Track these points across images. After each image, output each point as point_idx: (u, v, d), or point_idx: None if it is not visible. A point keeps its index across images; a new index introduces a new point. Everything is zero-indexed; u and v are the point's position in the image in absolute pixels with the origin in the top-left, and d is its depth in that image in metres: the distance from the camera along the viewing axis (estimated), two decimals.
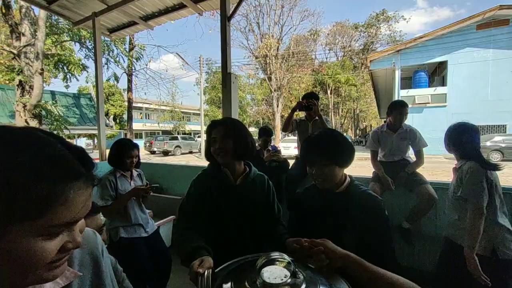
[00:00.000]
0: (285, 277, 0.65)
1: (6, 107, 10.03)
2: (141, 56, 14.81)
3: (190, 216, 1.09)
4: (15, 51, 6.13)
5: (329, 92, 30.63)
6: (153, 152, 19.21)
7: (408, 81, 15.86)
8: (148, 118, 33.11)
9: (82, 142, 17.63)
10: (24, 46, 6.08)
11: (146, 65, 18.94)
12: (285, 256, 0.69)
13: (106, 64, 12.23)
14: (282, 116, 23.36)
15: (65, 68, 9.05)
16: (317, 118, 2.70)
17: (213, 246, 0.98)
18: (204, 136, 19.32)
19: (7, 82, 9.47)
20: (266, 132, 2.96)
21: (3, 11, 6.30)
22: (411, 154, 2.48)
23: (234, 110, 2.52)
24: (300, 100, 2.70)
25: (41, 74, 6.40)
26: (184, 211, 1.12)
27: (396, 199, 2.35)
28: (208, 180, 1.17)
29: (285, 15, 23.13)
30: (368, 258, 0.69)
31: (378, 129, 2.53)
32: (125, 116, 17.74)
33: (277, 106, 22.88)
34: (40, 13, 6.48)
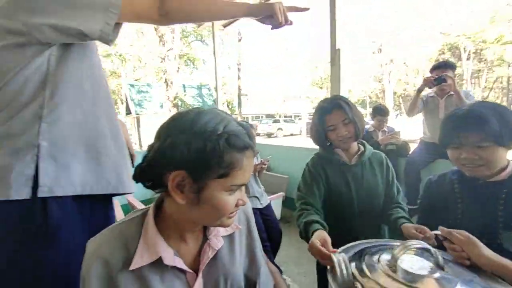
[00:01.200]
0: (431, 269, 0.58)
1: (157, 100, 13.45)
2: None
3: (307, 197, 1.13)
4: (162, 56, 8.07)
5: (465, 57, 23.65)
6: (257, 134, 20.92)
7: None
8: (253, 103, 35.96)
9: None
10: (168, 51, 7.88)
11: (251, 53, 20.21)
12: (427, 246, 0.61)
13: (221, 56, 13.97)
14: (394, 93, 20.10)
15: (191, 64, 11.15)
16: (452, 93, 2.16)
17: (331, 226, 0.98)
18: (304, 118, 19.33)
19: (157, 80, 12.48)
20: (381, 111, 2.65)
21: (155, 26, 8.28)
22: None
23: (343, 89, 2.36)
24: (428, 76, 2.21)
25: (177, 71, 8.14)
26: (301, 192, 1.16)
27: None
28: (322, 161, 1.17)
29: None
30: None
31: None
32: (234, 102, 19.94)
33: (389, 82, 19.81)
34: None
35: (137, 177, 0.51)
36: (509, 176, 0.80)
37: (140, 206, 2.00)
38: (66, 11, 0.60)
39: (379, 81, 23.56)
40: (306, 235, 0.93)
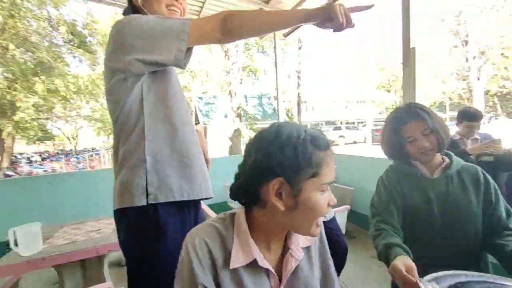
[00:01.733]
0: None
1: (222, 111, 14.59)
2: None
3: (383, 214, 1.03)
4: (227, 69, 8.79)
5: None
6: None
7: None
8: (313, 110, 35.16)
9: None
10: (232, 64, 8.55)
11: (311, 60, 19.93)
12: None
13: (282, 65, 14.26)
14: (486, 92, 16.78)
15: (252, 75, 11.78)
16: None
17: (412, 249, 0.87)
18: (369, 125, 17.85)
19: (222, 92, 13.52)
20: (470, 116, 2.23)
21: None
22: None
23: (418, 93, 2.10)
24: None
25: (241, 83, 8.74)
26: (376, 208, 1.07)
27: None
28: (397, 175, 1.06)
29: None
30: None
31: None
32: (293, 110, 19.89)
33: (478, 79, 16.67)
34: None
35: (234, 195, 0.58)
36: None
37: (209, 210, 2.16)
38: (147, 46, 0.73)
39: (464, 79, 20.04)
40: (386, 260, 0.85)
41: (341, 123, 25.20)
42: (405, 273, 0.69)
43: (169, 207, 0.80)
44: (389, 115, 1.08)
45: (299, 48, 15.93)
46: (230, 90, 9.08)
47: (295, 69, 16.71)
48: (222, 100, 15.78)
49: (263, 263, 0.55)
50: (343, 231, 2.84)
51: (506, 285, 0.59)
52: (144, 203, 0.76)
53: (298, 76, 17.36)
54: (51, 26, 11.18)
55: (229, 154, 9.25)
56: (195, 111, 16.14)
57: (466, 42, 17.12)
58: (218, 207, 3.16)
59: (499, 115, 21.85)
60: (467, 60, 17.64)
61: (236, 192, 0.58)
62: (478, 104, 16.14)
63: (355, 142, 19.27)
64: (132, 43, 0.73)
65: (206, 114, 16.03)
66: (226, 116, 12.63)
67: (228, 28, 0.72)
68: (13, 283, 1.85)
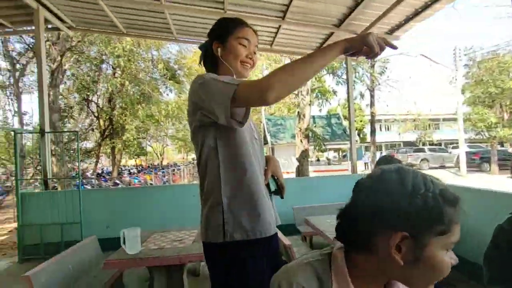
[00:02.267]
0: None
1: (290, 132, 14.75)
2: (385, 70, 14.96)
3: (504, 277, 0.85)
4: (296, 91, 8.96)
5: None
6: None
7: None
8: (388, 130, 31.89)
9: (330, 155, 20.85)
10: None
11: (388, 76, 18.51)
12: None
13: (354, 84, 13.72)
14: None
15: (321, 96, 11.62)
16: None
17: None
18: (463, 147, 14.98)
19: (290, 113, 13.77)
20: None
21: None
22: None
23: None
24: None
25: (310, 105, 8.72)
26: (493, 266, 0.91)
27: None
28: None
29: None
30: None
31: None
32: (365, 130, 18.47)
33: None
34: None
35: (341, 238, 0.56)
36: None
37: (282, 235, 2.15)
38: (210, 108, 0.85)
39: None
40: None
41: (423, 144, 21.96)
42: None
43: (246, 244, 0.88)
44: None
45: (372, 66, 15.05)
46: (298, 112, 9.15)
47: (367, 87, 15.76)
48: (290, 121, 16.00)
49: None
50: None
51: None
52: (220, 240, 0.87)
53: (371, 95, 16.27)
54: (152, 65, 14.03)
55: (296, 176, 9.14)
56: (264, 132, 16.83)
57: None
58: (285, 229, 3.13)
59: None
60: None
61: (344, 234, 0.55)
62: None
63: (442, 167, 16.41)
64: (202, 103, 0.88)
65: (274, 135, 16.45)
66: (293, 137, 12.71)
67: (270, 89, 0.74)
68: (119, 275, 2.25)
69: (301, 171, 8.88)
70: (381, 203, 0.48)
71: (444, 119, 31.22)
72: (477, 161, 15.08)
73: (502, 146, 18.89)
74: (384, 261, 0.50)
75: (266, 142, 16.47)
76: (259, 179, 0.96)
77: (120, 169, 17.46)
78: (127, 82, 12.73)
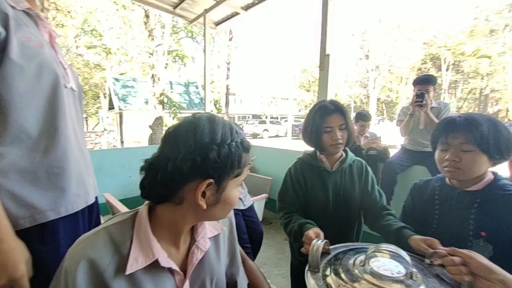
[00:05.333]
0: (397, 273, 0.60)
1: (143, 96, 13.08)
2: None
3: (289, 203, 1.15)
4: (150, 51, 7.89)
5: (444, 68, 24.76)
6: None
7: None
8: (241, 103, 35.94)
9: None
10: (156, 46, 7.74)
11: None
12: (402, 252, 0.63)
13: (211, 54, 13.87)
14: (378, 99, 20.75)
15: (179, 61, 10.96)
16: (433, 106, 2.22)
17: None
18: (290, 120, 19.55)
19: (143, 75, 12.20)
20: (363, 117, 2.72)
21: (144, 20, 8.12)
22: None
23: (330, 94, 2.41)
24: (413, 95, 2.26)
25: (166, 68, 7.98)
26: (283, 198, 1.18)
27: None
28: (303, 167, 1.19)
29: None
30: None
31: None
32: (221, 101, 19.81)
33: (373, 88, 20.43)
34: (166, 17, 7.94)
35: (148, 193, 0.53)
36: (484, 186, 0.82)
37: (118, 204, 1.94)
38: None
39: (364, 87, 24.21)
40: (301, 236, 0.93)
41: (266, 117, 26.65)
42: (312, 235, 0.84)
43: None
44: (316, 104, 1.16)
45: (230, 39, 15.87)
46: (153, 74, 8.16)
47: (224, 60, 16.58)
48: (143, 84, 14.16)
49: (166, 262, 0.52)
50: (260, 218, 3.04)
51: (366, 247, 0.78)
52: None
53: (227, 68, 17.32)
54: None
55: (149, 144, 8.47)
56: (109, 94, 14.06)
57: (367, 57, 20.62)
58: (132, 202, 2.87)
59: (384, 118, 27.34)
60: (367, 72, 21.31)
61: (151, 190, 0.52)
62: (372, 108, 19.81)
63: (277, 136, 20.76)
64: None
65: (123, 99, 14.08)
66: (147, 102, 11.46)
67: None
68: None
69: (154, 139, 8.29)
70: (192, 153, 0.48)
71: (282, 98, 39.15)
72: (297, 131, 20.22)
73: None
74: (188, 208, 0.52)
75: (112, 107, 13.95)
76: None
77: None
78: None
